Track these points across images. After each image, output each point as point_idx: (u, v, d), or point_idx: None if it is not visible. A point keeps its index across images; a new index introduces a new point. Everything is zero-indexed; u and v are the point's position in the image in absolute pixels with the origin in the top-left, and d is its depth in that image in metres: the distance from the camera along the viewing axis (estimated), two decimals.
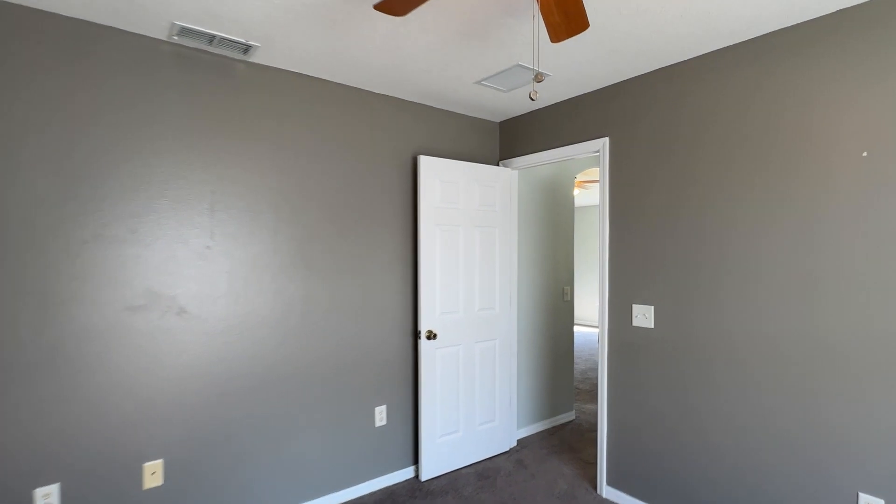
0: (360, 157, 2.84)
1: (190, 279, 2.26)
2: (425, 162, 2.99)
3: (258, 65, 2.45)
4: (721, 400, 2.30)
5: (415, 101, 3.07)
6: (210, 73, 2.31)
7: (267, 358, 2.50)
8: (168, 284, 2.20)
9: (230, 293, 2.38)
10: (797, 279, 2.05)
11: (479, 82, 2.71)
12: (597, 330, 9.24)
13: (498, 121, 3.55)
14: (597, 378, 5.52)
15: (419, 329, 3.00)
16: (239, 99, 2.40)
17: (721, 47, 2.28)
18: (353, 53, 2.33)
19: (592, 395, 4.84)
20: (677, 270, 2.47)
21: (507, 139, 3.53)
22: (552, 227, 3.96)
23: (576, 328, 9.35)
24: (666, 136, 2.52)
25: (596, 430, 3.85)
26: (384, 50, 2.30)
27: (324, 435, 2.70)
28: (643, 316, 2.62)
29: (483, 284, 3.30)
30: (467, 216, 3.20)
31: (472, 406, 3.26)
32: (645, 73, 2.60)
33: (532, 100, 1.59)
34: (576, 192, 7.65)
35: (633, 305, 2.66)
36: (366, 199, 2.86)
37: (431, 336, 3.01)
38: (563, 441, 3.65)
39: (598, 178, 6.65)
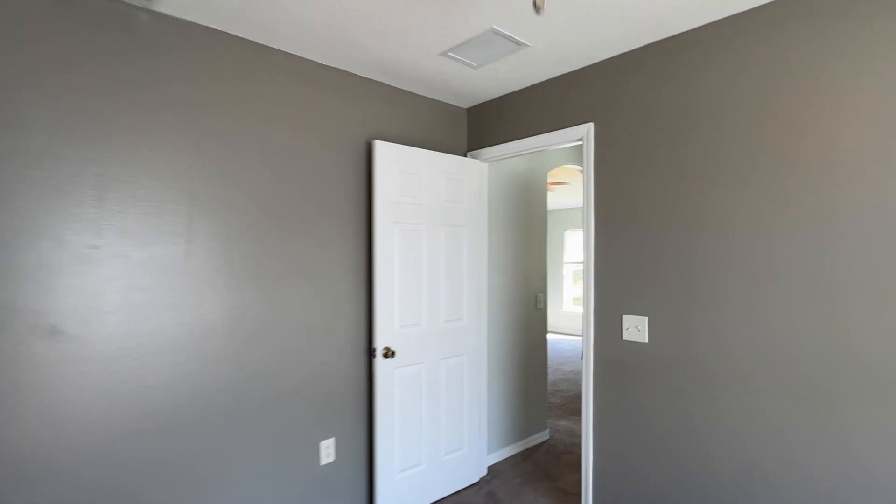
0: (304, 139, 2.36)
1: (67, 289, 1.72)
2: (382, 148, 2.54)
3: (167, 16, 1.94)
4: (729, 430, 1.96)
5: (370, 77, 2.61)
6: (101, 23, 1.78)
7: (179, 388, 1.97)
8: (33, 296, 1.65)
9: (126, 307, 1.84)
10: (820, 282, 1.73)
11: (444, 53, 2.29)
12: (566, 337, 8.99)
13: (466, 106, 3.14)
14: (569, 390, 5.18)
15: (374, 346, 2.53)
16: (142, 58, 1.88)
17: (732, 14, 1.95)
18: (287, 4, 1.87)
19: (565, 410, 4.49)
20: (676, 274, 2.12)
21: (475, 128, 3.12)
22: (524, 227, 3.58)
23: None
24: (660, 122, 2.18)
25: (572, 452, 3.48)
26: (326, 2, 1.84)
27: (256, 481, 2.18)
28: (635, 328, 2.26)
29: (449, 292, 2.87)
30: (431, 214, 2.77)
31: (438, 433, 2.81)
32: (638, 48, 2.25)
33: (538, 9, 1.18)
34: None
35: (624, 316, 2.30)
36: (310, 190, 2.38)
37: (389, 354, 2.55)
38: (537, 466, 3.26)
39: (564, 181, 6.37)
